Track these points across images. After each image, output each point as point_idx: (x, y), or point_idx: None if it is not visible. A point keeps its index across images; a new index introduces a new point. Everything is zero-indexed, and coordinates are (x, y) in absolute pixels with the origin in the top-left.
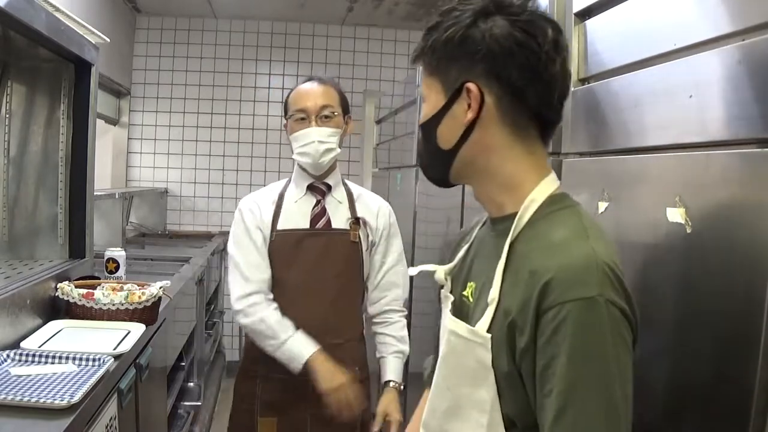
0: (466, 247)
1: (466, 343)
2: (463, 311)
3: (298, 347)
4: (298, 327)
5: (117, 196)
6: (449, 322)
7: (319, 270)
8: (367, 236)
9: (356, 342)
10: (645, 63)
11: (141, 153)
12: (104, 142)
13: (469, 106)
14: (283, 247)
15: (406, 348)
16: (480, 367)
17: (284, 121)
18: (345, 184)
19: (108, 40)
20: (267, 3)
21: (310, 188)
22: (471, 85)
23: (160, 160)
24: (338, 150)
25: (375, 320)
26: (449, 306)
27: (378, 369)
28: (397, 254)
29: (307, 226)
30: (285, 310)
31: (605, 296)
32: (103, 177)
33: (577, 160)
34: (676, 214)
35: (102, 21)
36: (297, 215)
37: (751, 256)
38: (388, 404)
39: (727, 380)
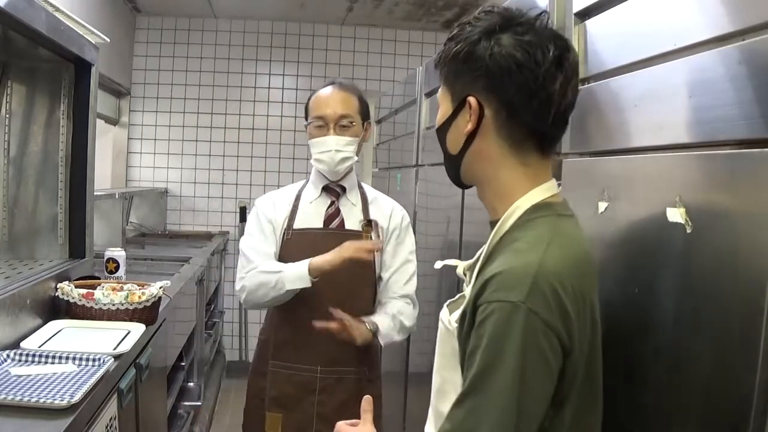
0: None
1: (447, 330)
2: None
3: (295, 267)
4: (305, 324)
5: (117, 196)
6: (442, 311)
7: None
8: (379, 238)
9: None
10: (645, 63)
11: (141, 153)
12: (104, 142)
13: (470, 117)
14: (297, 246)
15: (401, 317)
16: (454, 353)
17: (306, 123)
18: (361, 188)
19: (108, 40)
20: (267, 3)
21: (325, 189)
22: (471, 99)
23: (160, 160)
24: (355, 158)
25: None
26: (453, 299)
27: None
28: (404, 257)
29: (321, 226)
30: (296, 309)
31: (528, 305)
32: (103, 177)
33: (577, 160)
34: (676, 214)
35: (102, 21)
36: (312, 215)
37: (751, 256)
38: (359, 328)
39: (727, 380)
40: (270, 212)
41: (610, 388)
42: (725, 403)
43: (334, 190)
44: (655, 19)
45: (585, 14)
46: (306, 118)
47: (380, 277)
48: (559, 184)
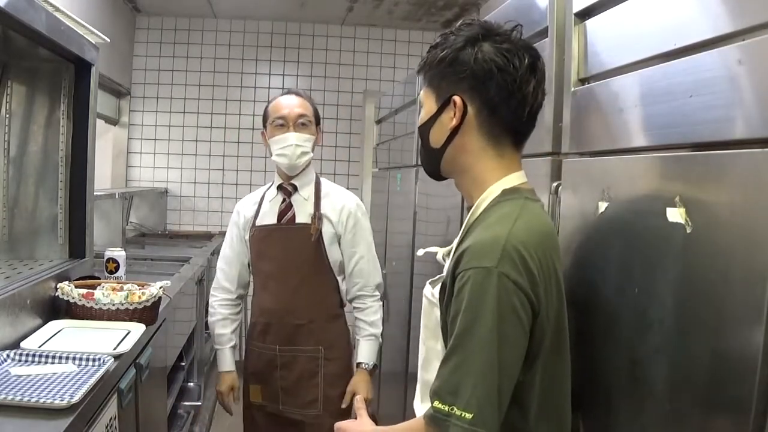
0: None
1: (430, 303)
2: None
3: (221, 359)
4: (267, 309)
5: (117, 196)
6: (425, 287)
7: (283, 260)
8: (332, 229)
9: (323, 322)
10: (645, 63)
11: (141, 153)
12: (104, 142)
13: (455, 114)
14: (257, 241)
15: (377, 331)
16: (437, 323)
17: (262, 130)
18: (318, 184)
19: (108, 40)
20: (267, 3)
21: (280, 188)
22: (456, 98)
23: (160, 160)
24: (311, 154)
25: (353, 305)
26: (434, 278)
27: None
28: (365, 245)
29: (275, 221)
30: (260, 294)
31: (500, 269)
32: (103, 177)
33: (577, 160)
34: (676, 214)
35: (102, 21)
36: (270, 213)
37: (751, 256)
38: (357, 383)
39: (727, 380)
40: (240, 215)
41: (611, 388)
42: (725, 403)
43: (286, 188)
44: (655, 19)
45: (585, 14)
46: (264, 123)
47: (342, 266)
48: (559, 184)
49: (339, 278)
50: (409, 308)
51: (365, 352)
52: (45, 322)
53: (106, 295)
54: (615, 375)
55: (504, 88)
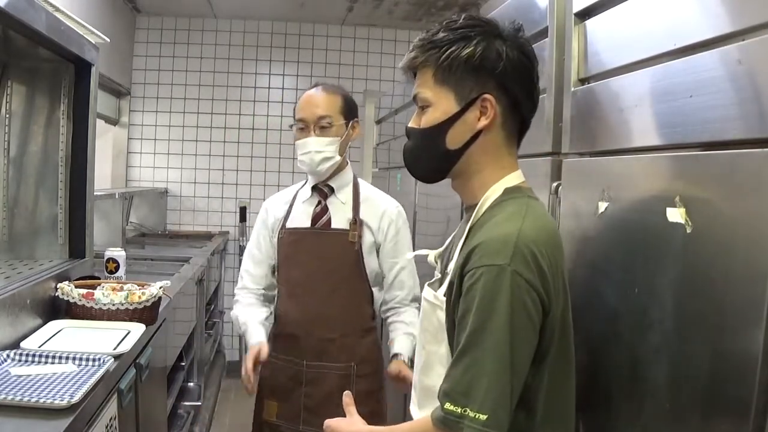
0: (454, 233)
1: (431, 306)
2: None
3: (248, 337)
4: (294, 319)
5: (117, 196)
6: (424, 290)
7: (315, 267)
8: (371, 237)
9: (355, 337)
10: (645, 63)
11: (141, 153)
12: (104, 142)
13: (481, 113)
14: (287, 244)
15: (415, 331)
16: (440, 326)
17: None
18: (356, 186)
19: (108, 40)
20: (267, 3)
21: (315, 189)
22: (489, 97)
23: (160, 160)
24: (337, 157)
25: (387, 315)
26: (431, 281)
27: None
28: (406, 253)
29: (309, 224)
30: (285, 303)
31: (513, 267)
32: (103, 177)
33: (577, 160)
34: (676, 214)
35: (102, 21)
36: (302, 215)
37: (751, 256)
38: (398, 366)
39: (727, 380)
40: (266, 214)
41: (611, 388)
42: (725, 403)
43: (321, 190)
44: (655, 19)
45: (585, 14)
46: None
47: (378, 277)
48: (559, 184)
49: (374, 289)
50: None
51: (405, 346)
52: (45, 322)
53: (106, 295)
54: (615, 375)
55: (527, 85)
